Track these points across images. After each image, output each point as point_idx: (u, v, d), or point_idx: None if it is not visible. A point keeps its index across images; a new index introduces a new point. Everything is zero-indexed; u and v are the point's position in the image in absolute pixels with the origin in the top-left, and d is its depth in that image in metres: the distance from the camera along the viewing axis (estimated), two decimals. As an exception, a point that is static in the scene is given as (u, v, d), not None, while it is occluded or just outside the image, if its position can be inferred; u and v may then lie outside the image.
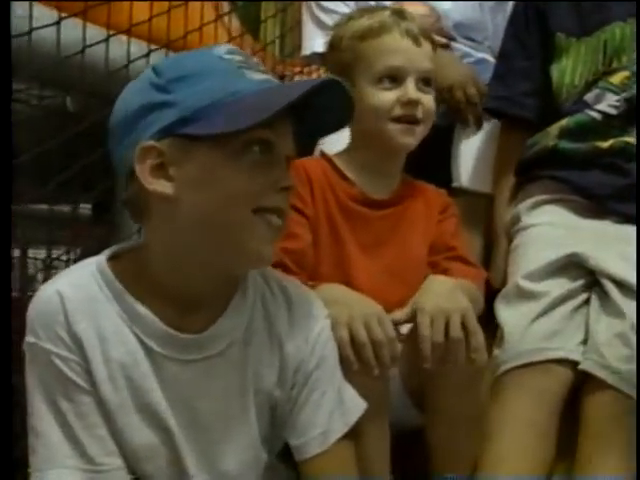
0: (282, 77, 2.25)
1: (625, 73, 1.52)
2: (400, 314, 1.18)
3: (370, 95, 1.34)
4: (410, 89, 1.33)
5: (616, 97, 1.51)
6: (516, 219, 1.58)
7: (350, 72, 1.35)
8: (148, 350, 1.00)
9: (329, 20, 1.89)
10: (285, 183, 0.98)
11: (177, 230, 0.95)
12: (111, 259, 1.02)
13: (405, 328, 1.20)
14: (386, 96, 1.34)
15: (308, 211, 1.33)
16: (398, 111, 1.33)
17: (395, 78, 1.34)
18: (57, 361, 0.98)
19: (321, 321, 1.09)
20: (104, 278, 1.00)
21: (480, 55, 1.93)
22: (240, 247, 0.96)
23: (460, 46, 1.92)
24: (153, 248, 0.99)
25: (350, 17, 1.41)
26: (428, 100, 1.36)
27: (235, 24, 2.29)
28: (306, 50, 1.99)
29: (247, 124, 0.91)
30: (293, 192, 1.01)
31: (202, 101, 0.92)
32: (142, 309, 0.99)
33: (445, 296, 1.19)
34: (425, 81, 1.35)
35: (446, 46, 1.85)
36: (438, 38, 1.68)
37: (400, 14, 1.37)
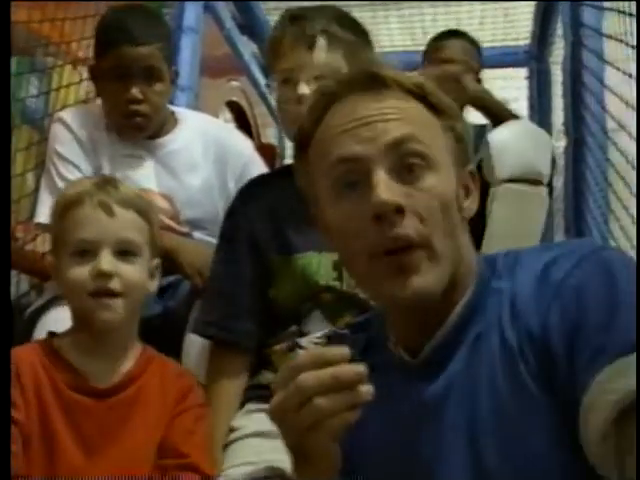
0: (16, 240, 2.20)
1: (332, 296, 1.51)
2: None
3: (66, 270, 1.30)
4: (103, 261, 1.28)
5: (319, 333, 1.50)
6: None
7: (55, 247, 1.32)
8: None
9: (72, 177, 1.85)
10: None
11: None
12: None
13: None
14: (80, 270, 1.29)
15: (18, 415, 1.22)
16: (92, 285, 1.28)
17: (89, 251, 1.29)
18: None
19: None
20: None
21: None
22: None
23: (199, 235, 1.98)
24: None
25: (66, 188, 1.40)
26: (128, 270, 1.31)
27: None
28: (39, 217, 1.89)
29: None
30: None
31: None
32: None
33: None
34: (124, 252, 1.31)
35: (187, 234, 1.95)
36: (179, 227, 1.93)
37: (100, 184, 1.35)
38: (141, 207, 1.36)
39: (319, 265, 1.52)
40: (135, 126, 1.94)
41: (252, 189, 1.70)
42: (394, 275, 0.87)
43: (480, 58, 2.59)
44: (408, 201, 0.87)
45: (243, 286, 1.56)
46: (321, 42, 1.55)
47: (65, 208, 1.32)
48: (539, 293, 0.86)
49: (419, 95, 0.93)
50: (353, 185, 0.89)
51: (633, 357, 0.75)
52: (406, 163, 0.89)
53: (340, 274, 1.50)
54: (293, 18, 1.59)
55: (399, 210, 0.86)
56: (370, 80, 0.92)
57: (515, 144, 1.92)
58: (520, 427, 0.83)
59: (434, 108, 0.94)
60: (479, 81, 2.53)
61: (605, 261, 0.84)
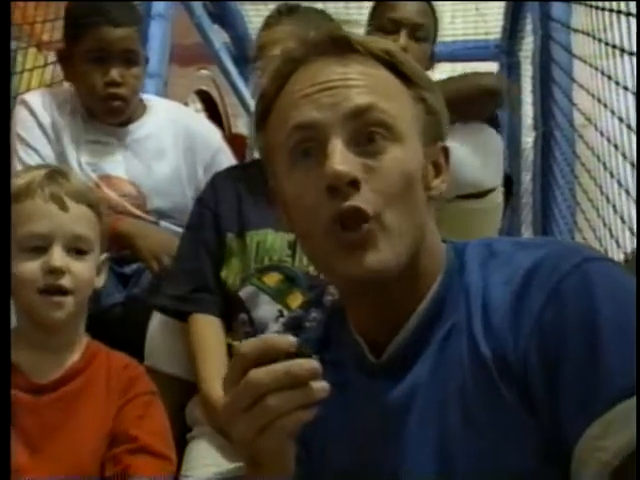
0: None
1: (278, 276, 1.53)
2: None
3: (15, 265, 1.23)
4: (55, 257, 1.23)
5: (276, 327, 1.49)
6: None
7: None
8: None
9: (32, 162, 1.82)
10: None
11: None
12: None
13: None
14: (30, 266, 1.23)
15: None
16: (42, 281, 1.23)
17: (40, 246, 1.24)
18: None
19: None
20: None
21: None
22: None
23: (166, 224, 1.96)
24: None
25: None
26: (79, 268, 1.26)
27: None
28: None
29: None
30: None
31: None
32: None
33: None
34: (76, 247, 1.26)
35: (154, 223, 1.94)
36: (145, 216, 1.92)
37: (51, 175, 1.29)
38: (92, 200, 1.32)
39: (274, 241, 1.53)
40: (113, 110, 1.92)
41: (222, 175, 1.72)
42: (347, 252, 0.81)
43: (437, 26, 2.13)
44: (365, 174, 0.81)
45: (207, 265, 1.59)
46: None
47: (14, 199, 1.24)
48: (515, 315, 0.79)
49: (388, 62, 0.87)
50: (309, 154, 0.83)
51: (622, 407, 0.71)
52: (367, 132, 0.82)
53: (294, 252, 1.52)
54: (290, 10, 1.72)
55: (353, 183, 0.80)
56: (336, 43, 0.86)
57: (457, 162, 1.77)
58: (495, 439, 0.78)
59: (403, 76, 0.87)
60: (432, 56, 2.10)
61: (590, 285, 0.76)
